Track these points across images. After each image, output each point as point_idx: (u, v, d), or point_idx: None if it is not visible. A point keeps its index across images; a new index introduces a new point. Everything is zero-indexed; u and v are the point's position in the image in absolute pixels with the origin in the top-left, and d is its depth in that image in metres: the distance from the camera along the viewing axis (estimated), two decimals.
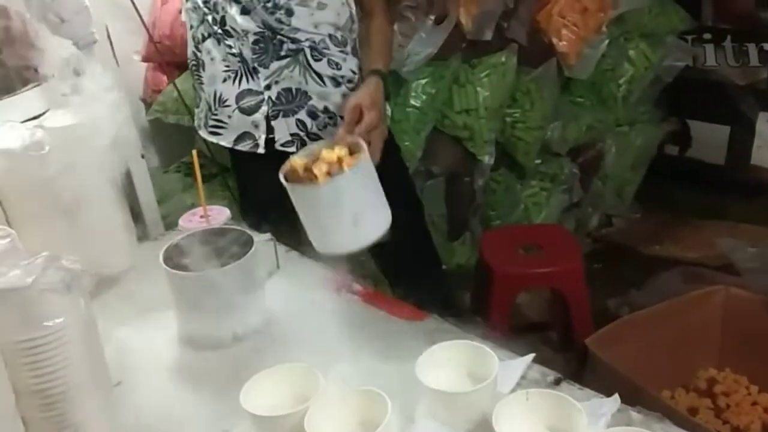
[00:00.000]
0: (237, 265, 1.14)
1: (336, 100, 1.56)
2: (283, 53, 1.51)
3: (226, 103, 1.56)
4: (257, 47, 1.51)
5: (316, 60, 1.53)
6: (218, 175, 2.11)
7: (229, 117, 1.57)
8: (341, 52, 1.55)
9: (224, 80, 1.55)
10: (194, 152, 1.30)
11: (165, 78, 2.22)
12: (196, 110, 1.67)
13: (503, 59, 2.47)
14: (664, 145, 3.36)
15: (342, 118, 1.45)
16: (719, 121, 3.29)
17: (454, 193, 2.55)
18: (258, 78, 1.53)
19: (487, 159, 2.53)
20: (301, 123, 1.56)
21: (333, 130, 1.55)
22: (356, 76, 1.58)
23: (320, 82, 1.54)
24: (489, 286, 2.16)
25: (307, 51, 1.52)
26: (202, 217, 1.32)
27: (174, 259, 1.17)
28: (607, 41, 2.70)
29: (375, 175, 1.16)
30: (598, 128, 2.91)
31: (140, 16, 1.83)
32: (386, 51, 1.62)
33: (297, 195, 1.12)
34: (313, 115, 1.56)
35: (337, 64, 1.55)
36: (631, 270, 2.79)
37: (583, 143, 2.90)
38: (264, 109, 1.54)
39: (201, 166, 1.28)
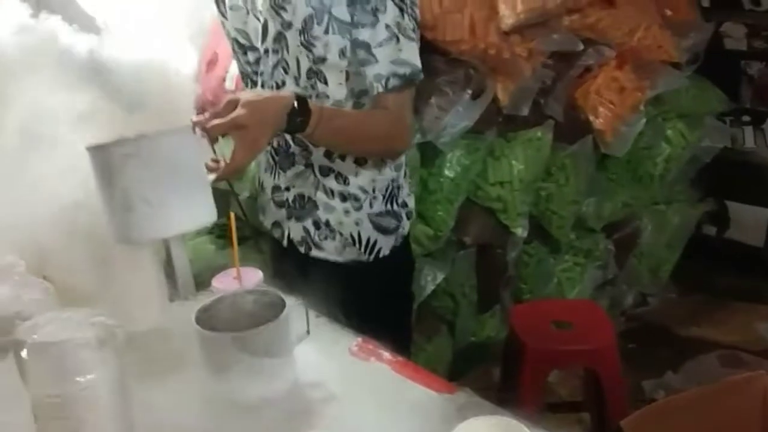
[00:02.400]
0: (268, 327, 1.14)
1: (339, 216, 1.54)
2: (296, 162, 1.54)
3: (265, 191, 1.61)
4: (276, 153, 1.55)
5: (324, 175, 1.53)
6: (252, 238, 2.13)
7: (267, 203, 1.62)
8: (350, 166, 1.52)
9: (266, 170, 1.60)
10: (232, 214, 1.31)
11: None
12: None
13: (539, 134, 2.49)
14: (702, 225, 3.33)
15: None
16: (758, 203, 3.26)
17: (485, 265, 2.54)
18: (281, 179, 1.56)
19: (521, 231, 2.53)
20: (306, 230, 1.57)
21: (331, 245, 1.55)
22: (367, 195, 1.53)
23: (329, 195, 1.53)
24: (520, 361, 2.12)
25: (316, 165, 1.52)
26: (235, 278, 1.32)
27: (205, 319, 1.17)
28: (644, 120, 2.71)
29: (191, 165, 1.08)
30: (634, 206, 2.89)
31: None
32: (345, 117, 1.45)
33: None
34: (317, 225, 1.56)
35: (345, 179, 1.52)
36: (666, 351, 2.72)
37: (618, 220, 2.89)
38: (284, 209, 1.58)
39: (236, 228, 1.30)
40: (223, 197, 2.16)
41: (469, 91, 2.32)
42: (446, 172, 2.38)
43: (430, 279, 2.38)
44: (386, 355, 1.26)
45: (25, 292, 0.99)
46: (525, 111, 2.43)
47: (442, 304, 2.50)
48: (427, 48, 2.27)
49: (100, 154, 1.03)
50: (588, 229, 2.81)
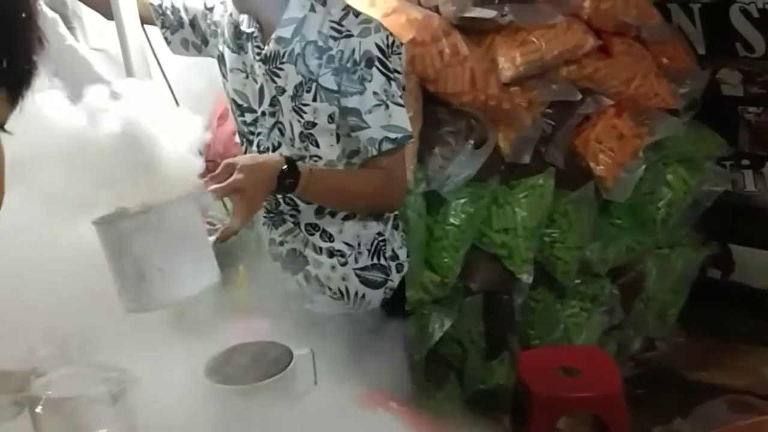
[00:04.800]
0: (276, 379, 1.16)
1: (326, 272, 1.58)
2: (286, 220, 1.59)
3: (263, 244, 1.65)
4: (268, 211, 1.61)
5: (310, 233, 1.58)
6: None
7: (266, 256, 1.66)
8: (335, 223, 1.57)
9: (263, 224, 1.65)
10: (240, 268, 1.35)
11: None
12: None
13: (541, 181, 2.53)
14: (706, 268, 3.34)
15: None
16: (762, 246, 3.27)
17: (492, 311, 2.55)
18: (274, 234, 1.61)
19: (526, 277, 2.54)
20: (299, 283, 1.61)
21: (322, 299, 1.59)
22: (352, 251, 1.58)
23: (316, 251, 1.59)
24: (528, 408, 2.12)
25: (303, 223, 1.58)
26: (243, 328, 1.34)
27: (215, 369, 1.19)
28: (644, 166, 2.75)
29: (197, 230, 1.10)
30: (637, 250, 2.91)
31: None
32: (335, 177, 1.52)
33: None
34: (307, 279, 1.61)
35: (330, 236, 1.57)
36: (675, 396, 2.71)
37: (623, 265, 2.90)
38: (279, 262, 1.62)
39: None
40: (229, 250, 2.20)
41: (472, 141, 2.37)
42: (451, 220, 2.41)
43: (437, 326, 2.40)
44: (393, 404, 1.27)
45: (40, 349, 1.01)
46: (526, 159, 2.47)
47: (450, 351, 2.51)
48: (429, 100, 2.34)
49: (108, 228, 1.05)
50: (593, 274, 2.82)
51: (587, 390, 2.13)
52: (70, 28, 1.93)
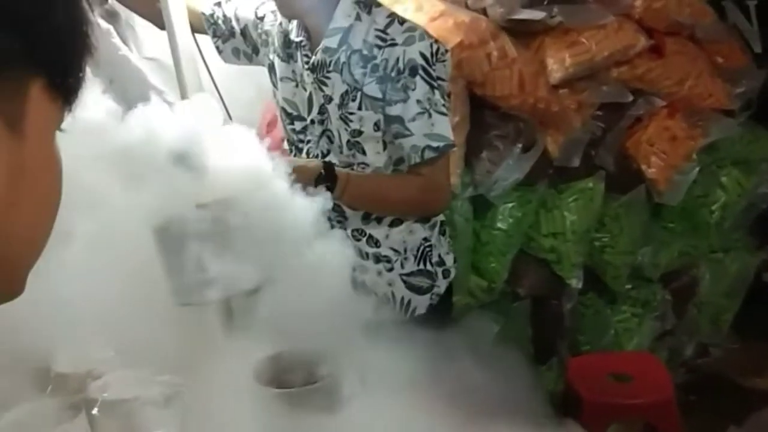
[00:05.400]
0: (322, 383, 1.17)
1: (373, 277, 1.59)
2: (333, 226, 1.59)
3: None
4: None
5: (356, 240, 1.59)
6: None
7: None
8: (382, 228, 1.58)
9: None
10: None
11: None
12: None
13: (591, 185, 2.50)
14: (762, 273, 3.24)
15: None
16: None
17: (541, 317, 2.52)
18: None
19: (575, 282, 2.51)
20: None
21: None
22: (398, 256, 1.59)
23: (363, 257, 1.59)
24: (578, 415, 2.09)
25: (350, 229, 1.58)
26: None
27: (263, 371, 1.21)
28: (697, 168, 2.69)
29: (244, 228, 1.13)
30: (691, 254, 2.85)
31: None
32: (374, 182, 1.53)
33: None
34: (354, 284, 1.61)
35: (377, 241, 1.58)
36: (729, 403, 2.64)
37: (675, 269, 2.84)
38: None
39: None
40: None
41: (520, 145, 2.35)
42: (499, 224, 2.39)
43: (485, 331, 2.38)
44: (440, 411, 1.27)
45: (96, 351, 1.04)
46: (576, 162, 2.44)
47: (498, 356, 2.49)
48: (477, 104, 2.33)
49: (169, 224, 1.09)
50: (644, 279, 2.77)
51: (638, 396, 2.09)
52: (123, 39, 1.99)
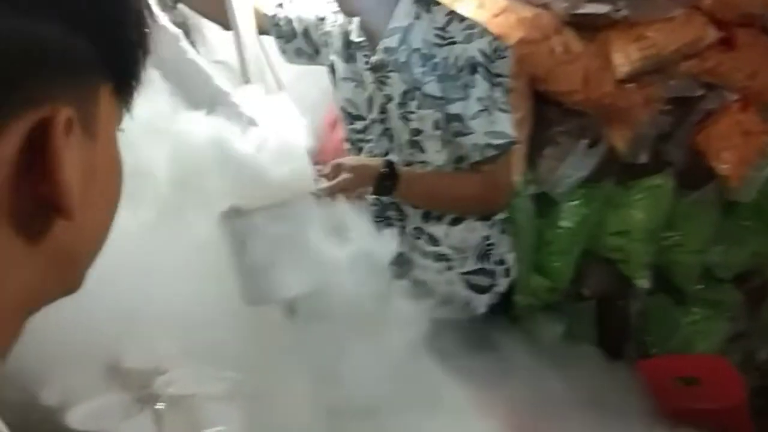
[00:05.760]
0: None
1: (433, 276, 1.58)
2: (393, 224, 1.59)
3: None
4: (375, 216, 1.61)
5: (416, 238, 1.58)
6: None
7: None
8: (441, 227, 1.57)
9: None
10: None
11: None
12: None
13: (659, 182, 2.43)
14: None
15: None
16: None
17: (606, 318, 2.47)
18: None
19: (643, 283, 2.45)
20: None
21: (429, 303, 1.58)
22: (459, 254, 1.58)
23: (423, 256, 1.59)
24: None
25: (409, 228, 1.58)
26: None
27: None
28: None
29: (307, 227, 1.14)
30: (765, 254, 2.74)
31: None
32: (435, 180, 1.53)
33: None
34: (413, 284, 1.60)
35: (436, 240, 1.57)
36: None
37: (749, 269, 2.74)
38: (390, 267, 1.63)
39: None
40: None
41: (585, 141, 2.31)
42: (563, 223, 2.35)
43: (548, 332, 2.35)
44: (503, 412, 1.25)
45: (163, 347, 1.07)
46: (643, 158, 2.38)
47: (562, 358, 2.45)
48: (540, 100, 2.30)
49: (236, 222, 1.12)
50: (716, 279, 2.68)
51: (709, 401, 2.03)
52: (192, 42, 2.03)
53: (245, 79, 1.85)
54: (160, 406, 0.93)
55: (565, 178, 2.29)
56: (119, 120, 0.44)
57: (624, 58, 2.31)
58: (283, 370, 1.11)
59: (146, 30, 0.42)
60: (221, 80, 1.25)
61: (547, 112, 2.32)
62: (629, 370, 2.40)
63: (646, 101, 2.36)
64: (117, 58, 0.41)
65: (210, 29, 1.98)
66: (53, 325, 1.02)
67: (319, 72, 1.82)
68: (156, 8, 1.46)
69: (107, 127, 0.43)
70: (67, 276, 0.44)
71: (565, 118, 2.32)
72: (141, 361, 1.04)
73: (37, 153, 0.37)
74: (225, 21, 1.77)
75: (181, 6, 1.97)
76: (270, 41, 1.82)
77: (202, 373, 0.98)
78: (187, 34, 2.00)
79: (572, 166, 2.29)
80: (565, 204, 2.35)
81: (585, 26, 2.31)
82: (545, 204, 2.34)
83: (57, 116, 0.37)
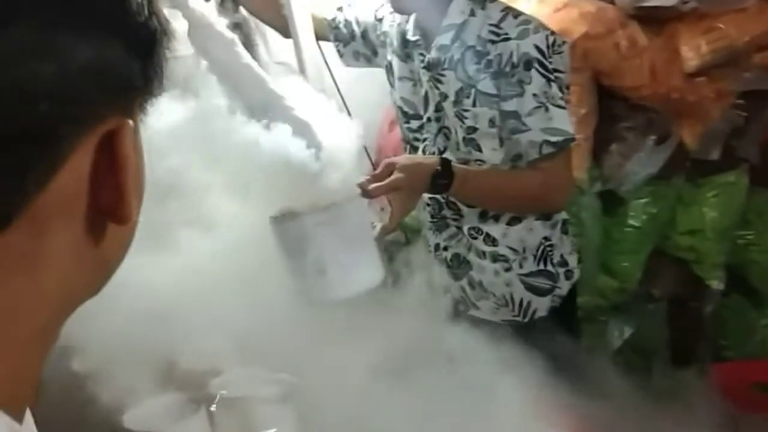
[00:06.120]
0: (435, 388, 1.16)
1: (490, 277, 1.55)
2: (449, 224, 1.57)
3: (429, 249, 1.65)
4: (432, 216, 1.60)
5: (473, 238, 1.55)
6: None
7: (431, 261, 1.66)
8: (499, 227, 1.54)
9: (429, 228, 1.65)
10: (405, 270, 1.36)
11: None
12: None
13: (732, 178, 2.33)
14: None
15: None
16: None
17: (678, 319, 2.38)
18: (439, 239, 1.59)
19: (716, 283, 2.35)
20: (463, 289, 1.58)
21: (486, 305, 1.56)
22: (517, 256, 1.54)
23: (480, 256, 1.56)
24: None
25: (466, 228, 1.55)
26: None
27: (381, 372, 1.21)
28: None
29: (367, 228, 1.15)
30: None
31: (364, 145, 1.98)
32: (491, 178, 1.49)
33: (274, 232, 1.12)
34: (471, 285, 1.58)
35: (494, 240, 1.54)
36: None
37: None
38: (444, 267, 1.60)
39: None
40: (399, 251, 2.24)
41: (653, 137, 2.24)
42: (631, 222, 2.29)
43: (616, 334, 2.29)
44: (565, 419, 1.22)
45: (219, 349, 1.09)
46: (715, 155, 2.29)
47: (631, 361, 2.38)
48: (605, 95, 2.24)
49: (291, 225, 1.12)
50: None
51: None
52: (252, 46, 2.06)
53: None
54: (213, 408, 0.94)
55: (632, 176, 2.23)
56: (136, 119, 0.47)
57: (693, 51, 2.22)
58: (336, 372, 1.11)
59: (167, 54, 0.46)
60: (276, 84, 1.25)
61: (614, 108, 2.26)
62: (701, 375, 2.31)
63: (718, 95, 2.27)
64: (156, 75, 0.45)
65: (272, 31, 2.01)
66: (113, 327, 1.05)
67: (379, 73, 1.82)
68: (214, 13, 1.48)
69: (139, 138, 0.46)
70: (102, 280, 0.47)
71: (632, 114, 2.26)
72: (197, 362, 1.06)
73: (105, 163, 0.41)
74: (284, 27, 1.79)
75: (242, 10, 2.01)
76: (328, 46, 1.83)
77: (255, 376, 0.98)
78: (246, 38, 2.04)
79: (640, 162, 2.22)
80: (633, 202, 2.28)
81: (651, 19, 2.24)
82: (612, 202, 2.28)
83: (124, 128, 0.42)
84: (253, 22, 2.18)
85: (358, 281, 1.15)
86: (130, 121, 0.42)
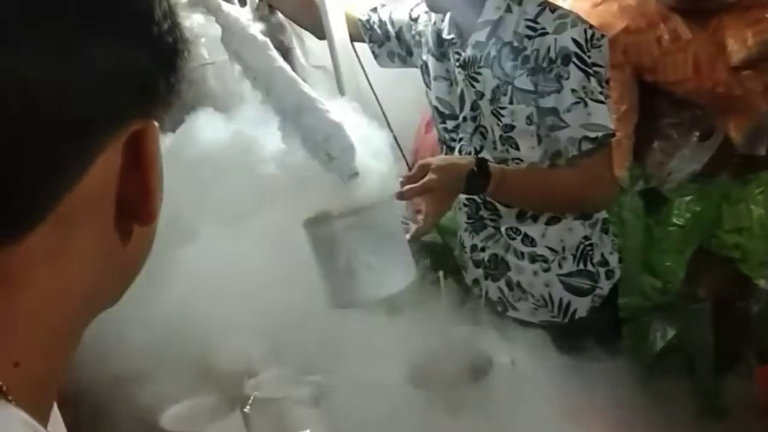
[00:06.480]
0: (476, 387, 1.15)
1: (529, 278, 1.53)
2: (487, 225, 1.56)
3: (465, 250, 1.63)
4: (469, 216, 1.59)
5: (511, 239, 1.53)
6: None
7: (467, 261, 1.65)
8: (538, 227, 1.52)
9: (465, 229, 1.63)
10: (440, 273, 1.36)
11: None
12: None
13: None
14: None
15: None
16: None
17: (724, 320, 2.32)
18: (476, 239, 1.58)
19: (764, 282, 2.28)
20: (501, 290, 1.57)
21: (525, 306, 1.54)
22: (556, 256, 1.52)
23: (518, 257, 1.53)
24: (767, 429, 1.90)
25: (504, 228, 1.53)
26: None
27: (417, 376, 1.21)
28: None
29: (399, 229, 1.14)
30: None
31: (399, 146, 1.97)
32: (530, 178, 1.47)
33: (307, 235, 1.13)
34: (509, 285, 1.55)
35: (532, 240, 1.51)
36: None
37: None
38: (481, 268, 1.59)
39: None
40: (435, 253, 2.23)
41: (697, 133, 2.19)
42: (674, 220, 2.24)
43: (659, 335, 2.24)
44: (605, 421, 1.20)
45: (254, 350, 1.10)
46: (762, 150, 2.23)
47: (674, 363, 2.33)
48: (647, 91, 2.20)
49: (321, 227, 1.13)
50: None
51: None
52: (287, 50, 2.08)
53: (339, 86, 1.88)
54: (246, 409, 0.94)
55: (675, 173, 2.19)
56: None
57: (739, 43, 2.16)
58: (369, 374, 1.11)
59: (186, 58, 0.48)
60: (307, 88, 1.26)
61: (656, 104, 2.23)
62: (747, 378, 2.25)
63: (765, 89, 2.21)
64: (176, 80, 0.46)
65: (309, 35, 2.02)
66: (151, 330, 1.07)
67: (416, 73, 1.82)
68: (249, 17, 1.50)
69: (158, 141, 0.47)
70: (126, 283, 0.48)
71: (676, 110, 2.22)
72: (233, 364, 1.07)
73: (131, 163, 0.43)
74: (318, 29, 1.79)
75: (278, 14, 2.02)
76: (363, 47, 1.83)
77: (289, 377, 0.99)
78: (284, 41, 2.05)
79: (683, 160, 2.18)
80: (677, 200, 2.24)
81: (694, 12, 2.18)
82: (655, 201, 2.24)
83: (150, 129, 0.44)
84: (290, 26, 2.20)
85: (389, 284, 1.15)
86: (156, 123, 0.44)
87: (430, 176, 1.29)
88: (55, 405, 0.58)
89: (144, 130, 0.43)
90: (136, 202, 0.43)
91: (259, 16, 1.91)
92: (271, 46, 1.28)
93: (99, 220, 0.42)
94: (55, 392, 0.44)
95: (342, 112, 1.19)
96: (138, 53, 0.42)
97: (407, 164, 2.21)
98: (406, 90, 2.09)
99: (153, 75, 0.43)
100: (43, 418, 0.43)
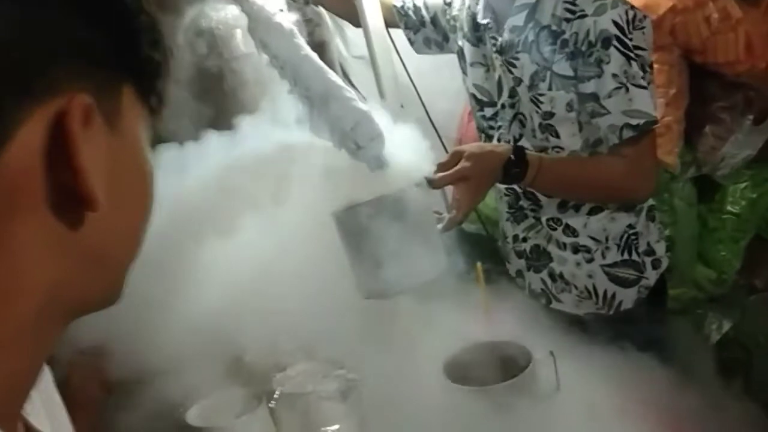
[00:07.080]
0: (513, 382, 1.11)
1: (571, 269, 1.48)
2: (527, 215, 1.51)
3: (507, 241, 1.59)
4: (509, 206, 1.54)
5: (552, 229, 1.48)
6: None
7: (510, 253, 1.61)
8: (580, 216, 1.47)
9: (507, 219, 1.59)
10: (479, 264, 1.31)
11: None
12: None
13: None
14: None
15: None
16: None
17: None
18: (518, 230, 1.53)
19: None
20: (544, 281, 1.52)
21: (569, 297, 1.50)
22: (599, 246, 1.46)
23: (560, 247, 1.49)
24: None
25: (545, 218, 1.48)
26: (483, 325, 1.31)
27: (452, 368, 1.17)
28: None
29: (429, 218, 1.11)
30: None
31: (438, 135, 1.94)
32: (569, 166, 1.41)
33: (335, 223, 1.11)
34: (552, 277, 1.51)
35: (574, 230, 1.47)
36: None
37: None
38: (523, 259, 1.54)
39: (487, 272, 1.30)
40: (480, 246, 2.18)
41: (751, 117, 2.11)
42: (729, 208, 2.16)
43: (714, 327, 2.16)
44: (654, 417, 1.15)
45: (282, 345, 1.08)
46: None
47: (731, 356, 2.24)
48: (697, 73, 2.12)
49: (348, 216, 1.11)
50: None
51: None
52: (324, 42, 2.06)
53: (376, 73, 1.85)
54: (272, 404, 0.93)
55: (728, 159, 2.11)
56: (146, 126, 0.45)
57: None
58: (399, 368, 1.08)
59: (159, 38, 0.44)
60: (336, 78, 1.23)
61: (707, 87, 2.15)
62: None
63: None
64: (132, 58, 0.42)
65: (349, 25, 2.00)
66: (180, 324, 1.06)
67: (456, 61, 1.78)
68: (282, 6, 1.48)
69: (133, 128, 0.44)
70: (98, 277, 0.44)
71: (728, 92, 2.14)
72: (261, 358, 1.05)
73: (60, 141, 0.38)
74: (354, 16, 1.77)
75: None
76: (399, 35, 1.80)
77: (317, 371, 0.97)
78: (320, 31, 2.03)
79: (737, 144, 2.10)
80: (731, 187, 2.16)
81: None
82: (708, 188, 2.17)
83: (73, 102, 0.38)
84: (329, 17, 2.18)
85: (416, 273, 1.13)
86: (88, 99, 0.39)
87: (463, 164, 1.26)
88: (59, 401, 0.57)
89: (69, 106, 0.38)
90: (69, 184, 0.38)
91: (295, 7, 1.89)
92: (297, 34, 1.27)
93: (35, 202, 0.38)
94: (24, 395, 0.41)
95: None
96: (62, 14, 0.38)
97: (447, 153, 2.18)
98: (450, 78, 2.05)
99: (85, 42, 0.39)
100: (8, 421, 0.40)
